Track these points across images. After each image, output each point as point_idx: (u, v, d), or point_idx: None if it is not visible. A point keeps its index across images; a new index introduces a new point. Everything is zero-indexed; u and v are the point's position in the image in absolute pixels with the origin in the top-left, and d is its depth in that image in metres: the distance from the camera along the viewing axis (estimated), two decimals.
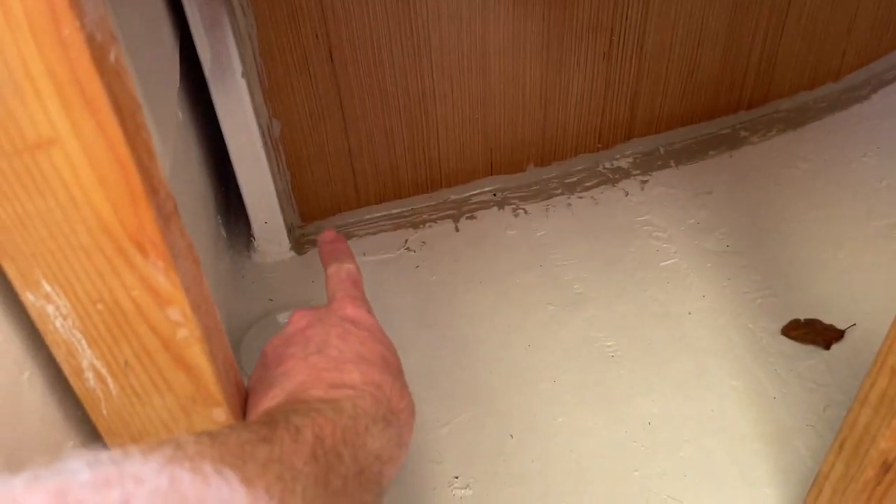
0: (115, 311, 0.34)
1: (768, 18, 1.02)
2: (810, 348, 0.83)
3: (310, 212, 1.03)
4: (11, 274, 0.32)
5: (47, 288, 0.32)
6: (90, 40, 0.27)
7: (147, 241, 0.32)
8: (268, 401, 0.37)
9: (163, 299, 0.34)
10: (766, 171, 1.05)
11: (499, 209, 1.05)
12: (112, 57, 0.28)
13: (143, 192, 0.30)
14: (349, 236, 1.03)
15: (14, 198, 0.29)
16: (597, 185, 1.06)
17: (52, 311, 0.33)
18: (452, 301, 0.92)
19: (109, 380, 0.36)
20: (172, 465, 0.24)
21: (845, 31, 1.07)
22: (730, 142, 1.10)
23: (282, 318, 0.91)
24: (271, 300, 0.95)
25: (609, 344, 0.85)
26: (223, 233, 0.99)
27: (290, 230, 1.01)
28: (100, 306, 0.33)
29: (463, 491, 0.73)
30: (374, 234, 1.04)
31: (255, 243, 1.00)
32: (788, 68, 1.09)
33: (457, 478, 0.74)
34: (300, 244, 1.02)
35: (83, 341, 0.35)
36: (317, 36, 0.86)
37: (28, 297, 0.33)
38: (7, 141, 0.28)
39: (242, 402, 0.41)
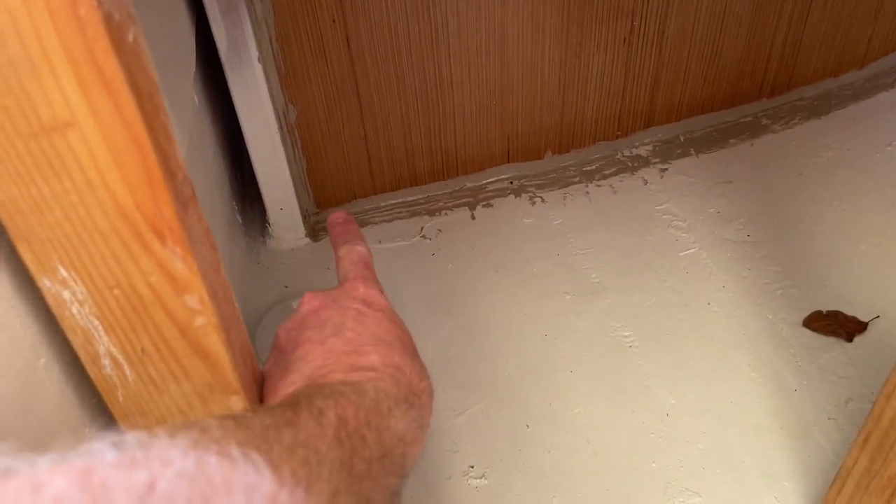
0: (132, 298, 0.33)
1: (793, 3, 1.00)
2: (832, 340, 0.82)
3: (325, 198, 1.02)
4: (27, 259, 0.31)
5: (63, 273, 0.32)
6: (108, 20, 0.26)
7: (165, 226, 0.31)
8: (286, 386, 0.37)
9: (180, 286, 0.33)
10: (788, 160, 1.03)
11: (515, 197, 1.04)
12: (130, 37, 0.28)
13: (161, 176, 0.30)
14: (364, 223, 1.02)
15: (30, 181, 0.29)
16: (615, 174, 1.05)
17: (69, 296, 0.33)
18: (468, 289, 0.92)
19: (126, 367, 0.36)
20: (199, 447, 0.23)
21: (872, 17, 1.05)
22: (751, 130, 1.08)
23: (296, 304, 0.91)
24: (286, 286, 0.95)
25: (627, 334, 0.85)
26: (238, 219, 0.98)
27: (305, 216, 1.00)
28: (116, 292, 0.33)
29: (478, 481, 0.73)
30: (389, 221, 1.03)
31: (271, 229, 0.99)
32: (813, 54, 1.07)
33: (472, 467, 0.74)
34: (315, 231, 1.02)
35: (100, 328, 0.34)
36: (334, 21, 0.85)
37: (44, 283, 0.32)
38: (23, 122, 0.27)
39: (259, 390, 0.41)
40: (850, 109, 1.09)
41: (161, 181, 0.30)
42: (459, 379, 0.82)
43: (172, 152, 0.31)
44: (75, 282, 0.32)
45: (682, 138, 1.08)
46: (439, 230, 1.00)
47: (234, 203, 0.97)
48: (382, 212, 1.04)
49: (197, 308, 0.34)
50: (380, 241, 1.00)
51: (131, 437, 0.23)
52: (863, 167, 1.01)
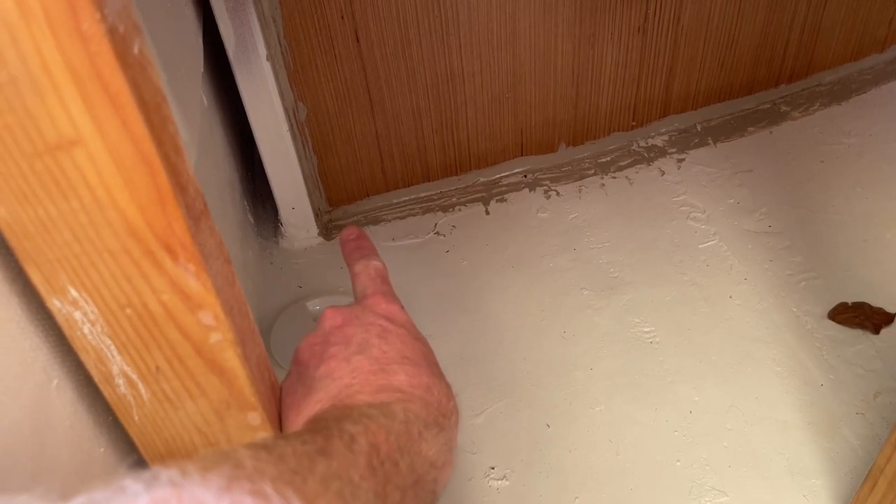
0: (145, 316, 0.32)
1: None
2: (858, 333, 0.80)
3: (337, 196, 1.01)
4: (36, 280, 0.30)
5: (74, 294, 0.31)
6: (112, 32, 0.25)
7: (176, 242, 0.30)
8: (312, 405, 0.36)
9: (194, 303, 0.32)
10: (808, 147, 1.01)
11: (530, 191, 1.02)
12: (136, 49, 0.26)
13: (171, 192, 0.28)
14: (377, 221, 1.01)
15: (36, 201, 0.28)
16: (631, 165, 1.03)
17: (80, 317, 0.32)
18: (484, 286, 0.90)
19: (141, 385, 0.35)
20: (232, 488, 0.22)
21: None
22: (770, 117, 1.06)
23: (311, 304, 0.90)
24: (300, 287, 0.94)
25: (647, 329, 0.83)
26: (250, 219, 0.97)
27: (317, 215, 0.99)
28: (129, 311, 0.32)
29: (499, 482, 0.72)
30: (402, 218, 1.02)
31: (283, 229, 0.98)
32: (832, 39, 1.04)
33: (493, 468, 0.73)
34: (328, 229, 1.01)
35: (113, 347, 0.33)
36: (342, 17, 0.84)
37: (54, 304, 0.31)
38: (27, 142, 0.26)
39: (277, 404, 0.40)
40: (870, 94, 1.06)
41: (171, 197, 0.29)
42: (478, 378, 0.81)
43: (182, 166, 0.30)
44: (86, 302, 0.31)
45: (699, 127, 1.06)
46: (453, 226, 0.99)
47: (246, 203, 0.96)
48: (395, 208, 1.03)
49: (212, 324, 0.33)
50: (393, 239, 0.98)
51: (164, 475, 0.22)
52: (886, 153, 0.98)
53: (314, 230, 0.99)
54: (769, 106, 1.07)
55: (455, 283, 0.91)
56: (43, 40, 0.24)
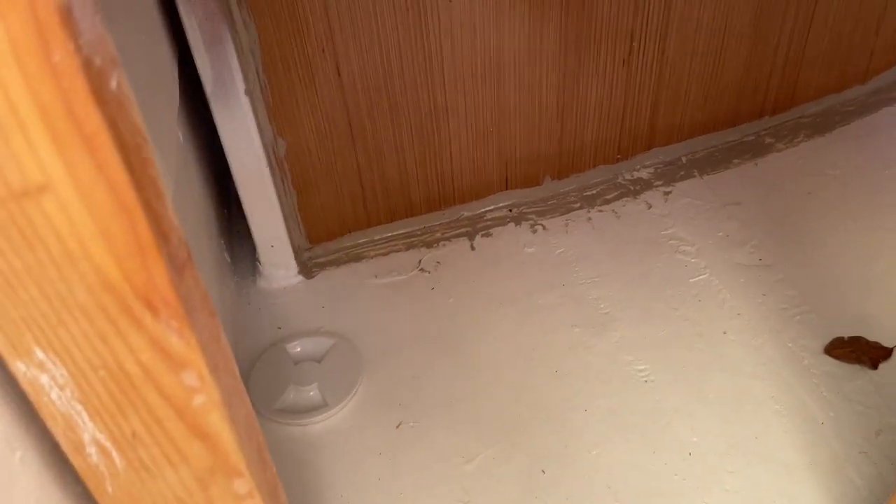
0: (121, 378, 0.29)
1: (794, 19, 0.98)
2: (856, 368, 0.78)
3: (317, 233, 0.98)
4: None
5: (41, 356, 0.28)
6: (87, 66, 0.22)
7: (158, 297, 0.27)
8: None
9: (176, 362, 0.29)
10: (794, 179, 1.00)
11: (515, 225, 1.00)
12: (114, 84, 0.24)
13: (153, 241, 0.25)
14: (359, 258, 0.98)
15: None
16: (617, 198, 1.02)
17: (48, 381, 0.28)
18: (472, 324, 0.87)
19: (115, 454, 0.31)
20: None
21: (873, 31, 1.03)
22: (754, 149, 1.05)
23: (291, 347, 0.86)
24: (279, 328, 0.90)
25: (641, 368, 0.81)
26: (227, 257, 0.94)
27: (297, 253, 0.96)
28: (102, 373, 0.29)
29: None
30: (385, 254, 0.99)
31: (261, 268, 0.95)
32: (814, 71, 1.04)
33: None
34: (307, 268, 0.98)
35: (84, 413, 0.30)
36: (323, 50, 0.81)
37: (18, 367, 0.28)
38: None
39: (265, 468, 0.36)
40: (854, 125, 1.06)
41: (153, 248, 0.26)
42: (468, 421, 0.77)
43: (164, 212, 0.27)
44: (55, 364, 0.28)
45: (684, 160, 1.05)
46: (438, 262, 0.96)
47: (223, 242, 0.93)
48: (378, 245, 1.00)
49: (195, 385, 0.30)
50: (376, 276, 0.95)
51: None
52: (872, 185, 0.98)
53: (293, 269, 0.96)
54: (753, 138, 1.07)
55: (442, 322, 0.88)
56: (8, 75, 0.21)
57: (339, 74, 0.84)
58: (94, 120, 0.22)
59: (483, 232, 1.00)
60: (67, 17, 0.21)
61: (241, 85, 0.78)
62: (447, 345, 0.85)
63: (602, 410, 0.77)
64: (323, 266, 0.98)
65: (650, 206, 1.00)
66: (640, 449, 0.74)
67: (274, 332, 0.89)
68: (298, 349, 0.86)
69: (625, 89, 0.97)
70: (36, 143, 0.22)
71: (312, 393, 0.81)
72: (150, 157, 0.26)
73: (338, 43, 0.81)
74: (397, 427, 0.77)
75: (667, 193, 1.01)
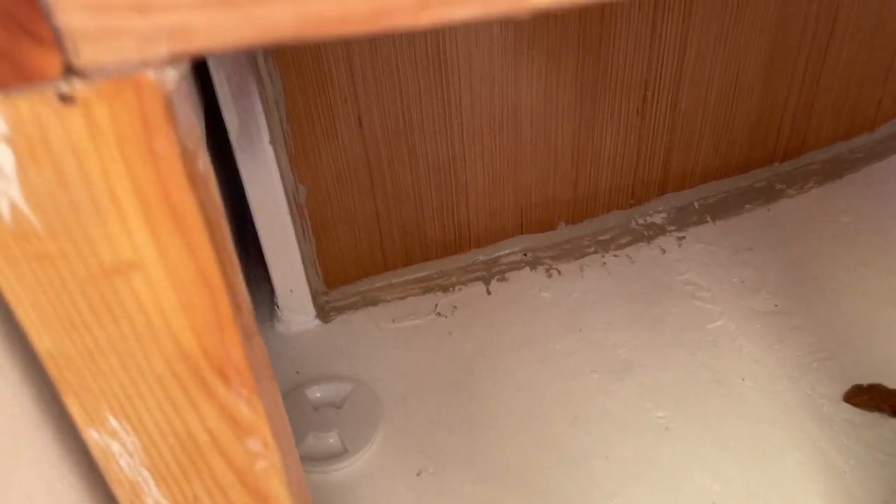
0: (188, 446, 0.29)
1: (804, 69, 1.00)
2: (876, 416, 0.78)
3: (335, 278, 0.99)
4: (74, 410, 0.27)
5: (114, 424, 0.28)
6: (183, 151, 0.23)
7: (231, 367, 0.28)
8: None
9: (242, 429, 0.30)
10: (806, 225, 1.02)
11: (531, 270, 1.01)
12: (201, 166, 0.25)
13: (231, 315, 0.26)
14: (376, 302, 0.99)
15: (84, 328, 0.25)
16: (631, 243, 1.03)
17: (118, 448, 0.29)
18: (490, 370, 0.88)
19: None
20: None
21: (881, 81, 1.05)
22: (766, 195, 1.07)
23: (310, 392, 0.86)
24: (298, 373, 0.90)
25: (661, 415, 0.81)
26: None
27: (314, 297, 0.97)
28: (171, 441, 0.29)
29: None
30: (401, 298, 0.99)
31: (279, 312, 0.95)
32: (824, 119, 1.06)
33: None
34: (325, 312, 0.98)
35: (150, 479, 0.30)
36: (345, 101, 0.83)
37: (91, 435, 0.28)
38: (82, 268, 0.24)
39: None
40: (862, 172, 1.08)
41: (231, 321, 0.26)
42: (487, 471, 0.77)
43: (239, 285, 0.28)
44: (126, 432, 0.28)
45: (696, 205, 1.06)
46: (454, 307, 0.97)
47: None
48: (394, 289, 1.01)
49: (259, 451, 0.31)
50: (393, 320, 0.96)
51: None
52: (883, 230, 0.99)
53: (311, 313, 0.96)
54: (765, 184, 1.08)
55: (460, 367, 0.88)
56: (111, 163, 0.22)
57: (360, 125, 0.85)
58: (187, 201, 0.23)
59: (498, 276, 1.01)
60: (170, 107, 0.22)
61: (265, 135, 0.80)
62: (466, 390, 0.86)
63: (623, 458, 0.77)
64: (340, 310, 0.98)
65: (664, 252, 1.01)
66: (662, 498, 0.73)
67: (293, 376, 0.89)
68: (318, 395, 0.87)
69: (638, 137, 0.99)
70: (130, 225, 0.23)
71: (332, 440, 0.81)
72: (227, 232, 0.27)
73: (360, 94, 0.83)
74: (417, 475, 0.77)
75: (680, 239, 1.02)
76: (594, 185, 1.01)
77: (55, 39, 0.19)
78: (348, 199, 0.92)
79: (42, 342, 0.25)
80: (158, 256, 0.24)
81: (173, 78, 0.21)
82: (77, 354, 0.26)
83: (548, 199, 1.01)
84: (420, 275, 1.02)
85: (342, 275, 0.99)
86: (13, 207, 0.22)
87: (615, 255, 1.01)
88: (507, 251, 1.04)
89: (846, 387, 0.81)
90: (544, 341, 0.91)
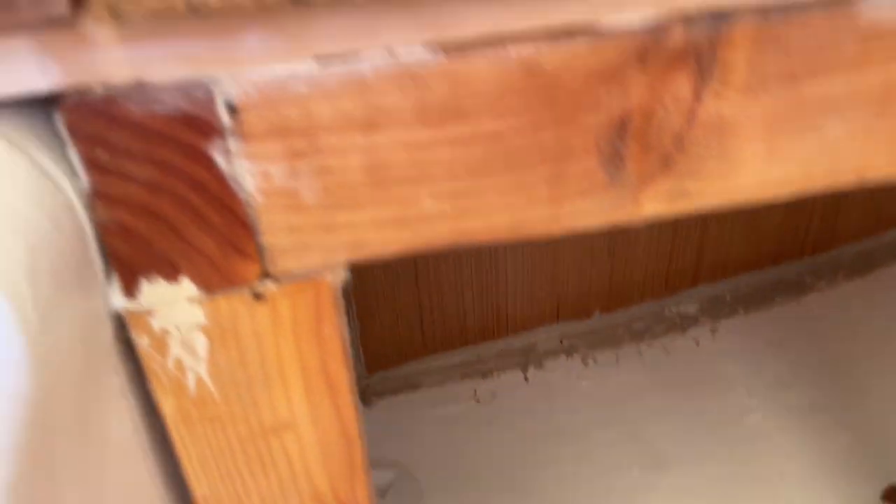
0: None
1: None
2: None
3: (376, 361, 1.02)
4: None
5: None
6: (343, 334, 0.26)
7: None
8: None
9: None
10: (838, 320, 1.04)
11: (567, 357, 1.04)
12: (345, 339, 0.28)
13: (362, 465, 0.29)
14: (416, 386, 1.01)
15: (238, 477, 0.28)
16: (665, 333, 1.05)
17: None
18: (530, 461, 0.90)
19: None
20: None
21: None
22: (797, 288, 1.09)
23: None
24: None
25: None
26: None
27: (357, 381, 0.99)
28: None
29: None
30: (441, 383, 1.02)
31: None
32: (852, 213, 1.10)
33: None
34: (366, 396, 1.01)
35: None
36: None
37: None
38: (245, 427, 0.27)
39: None
40: (893, 268, 1.11)
41: (361, 469, 0.29)
42: None
43: (364, 437, 0.31)
44: None
45: (728, 297, 1.09)
46: (493, 394, 0.99)
47: None
48: (433, 373, 1.03)
49: None
50: (433, 406, 0.98)
51: None
52: None
53: None
54: (795, 277, 1.11)
55: (501, 457, 0.90)
56: (284, 344, 0.25)
57: None
58: (340, 373, 0.27)
59: (535, 363, 1.03)
60: (337, 299, 0.25)
61: None
62: (507, 482, 0.87)
63: None
64: (381, 395, 1.01)
65: (698, 343, 1.03)
66: None
67: None
68: None
69: (673, 229, 1.02)
70: (291, 392, 0.27)
71: None
72: (355, 389, 0.31)
73: None
74: None
75: (713, 331, 1.05)
76: (629, 276, 1.05)
77: (258, 253, 0.23)
78: (393, 287, 0.95)
79: (200, 488, 0.28)
80: (310, 417, 0.27)
81: (342, 277, 0.25)
82: (227, 498, 0.29)
83: (583, 287, 1.04)
84: (458, 359, 1.05)
85: (383, 358, 1.02)
86: (198, 381, 0.25)
87: (650, 346, 1.04)
88: (543, 337, 1.06)
89: (884, 485, 0.82)
90: (584, 432, 0.93)
